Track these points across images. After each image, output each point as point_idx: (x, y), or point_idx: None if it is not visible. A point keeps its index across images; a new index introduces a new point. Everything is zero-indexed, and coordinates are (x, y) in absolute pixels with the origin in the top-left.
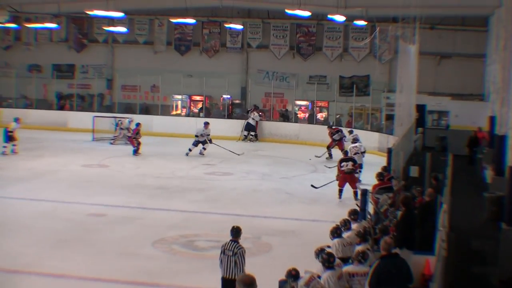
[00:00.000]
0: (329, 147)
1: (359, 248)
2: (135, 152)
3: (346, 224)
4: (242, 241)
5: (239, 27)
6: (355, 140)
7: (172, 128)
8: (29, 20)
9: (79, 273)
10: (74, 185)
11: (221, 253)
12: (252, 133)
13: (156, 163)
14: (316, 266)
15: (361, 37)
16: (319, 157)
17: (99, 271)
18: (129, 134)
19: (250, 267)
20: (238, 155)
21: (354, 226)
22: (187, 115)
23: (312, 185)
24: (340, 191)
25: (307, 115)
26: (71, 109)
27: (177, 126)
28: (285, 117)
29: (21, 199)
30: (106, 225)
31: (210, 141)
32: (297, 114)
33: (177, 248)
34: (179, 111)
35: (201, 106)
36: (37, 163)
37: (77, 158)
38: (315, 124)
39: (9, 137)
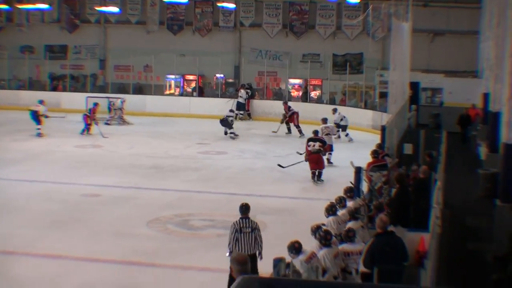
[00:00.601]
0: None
1: (348, 225)
2: (83, 131)
3: (341, 202)
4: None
5: (232, 6)
6: (325, 120)
7: (165, 107)
8: (20, 1)
9: (74, 253)
10: (68, 166)
11: (235, 232)
12: (242, 112)
13: (150, 143)
14: (311, 244)
15: (354, 15)
16: (275, 132)
17: (95, 252)
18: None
19: None
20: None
21: (349, 203)
22: (181, 94)
23: (279, 164)
24: (313, 174)
25: (300, 93)
26: (64, 90)
27: (171, 106)
28: (279, 95)
29: (15, 181)
30: (100, 205)
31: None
32: (290, 92)
33: (171, 228)
34: (172, 91)
35: (194, 85)
36: (31, 144)
37: (70, 139)
38: (309, 102)
39: (39, 120)
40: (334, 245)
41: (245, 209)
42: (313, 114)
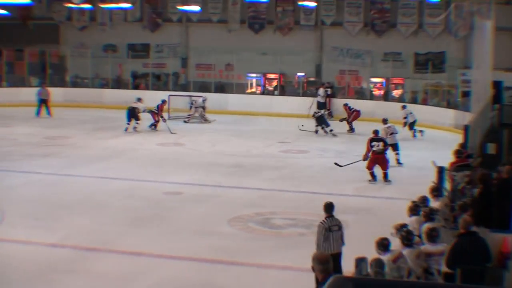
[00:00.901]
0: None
1: (426, 226)
2: (152, 125)
3: (424, 202)
4: (317, 219)
5: (313, 4)
6: (386, 121)
7: (247, 106)
8: (103, 1)
9: (155, 251)
10: (150, 163)
11: (325, 231)
12: (322, 111)
13: (232, 141)
14: (392, 244)
15: (436, 13)
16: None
17: (176, 249)
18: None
19: None
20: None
21: (434, 203)
22: (262, 93)
23: (335, 163)
24: (372, 174)
25: (382, 92)
26: (147, 88)
27: (252, 104)
28: (360, 94)
29: (99, 178)
30: (182, 203)
31: None
32: (372, 91)
33: (253, 226)
34: (254, 89)
35: (275, 84)
36: (114, 142)
37: (153, 137)
38: (390, 101)
39: (137, 117)
40: (416, 245)
41: (331, 207)
42: (394, 113)
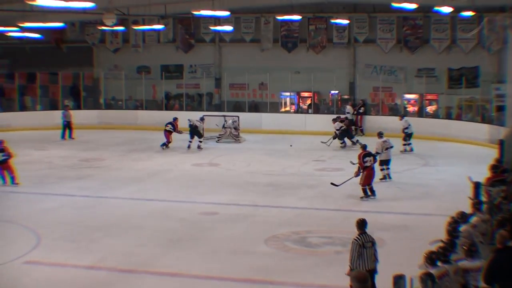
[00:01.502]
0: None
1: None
2: (163, 144)
3: (463, 217)
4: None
5: (345, 22)
6: (381, 135)
7: (281, 124)
8: (136, 23)
9: (192, 271)
10: (185, 184)
11: (359, 247)
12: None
13: (266, 160)
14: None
15: (469, 28)
16: (326, 143)
17: (213, 269)
18: (235, 133)
19: None
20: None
21: (473, 219)
22: (296, 111)
23: (332, 183)
24: (364, 190)
25: (416, 108)
26: (181, 109)
27: (286, 123)
28: (394, 111)
29: (134, 199)
30: (218, 223)
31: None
32: (406, 107)
33: (289, 245)
34: (288, 108)
35: (309, 102)
36: (149, 163)
37: (187, 157)
38: (425, 117)
39: (200, 134)
40: (453, 262)
41: (363, 224)
42: (428, 128)
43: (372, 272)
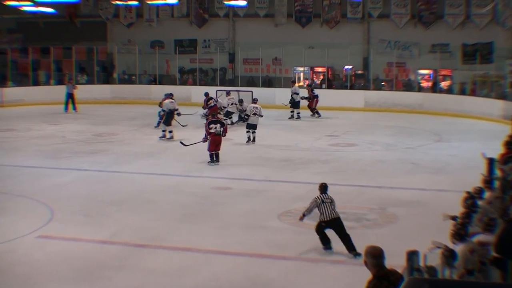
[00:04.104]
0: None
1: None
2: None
3: (479, 193)
4: (367, 212)
5: None
6: (255, 101)
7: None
8: None
9: (205, 246)
10: (198, 159)
11: (321, 203)
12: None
13: (280, 136)
14: (443, 237)
15: (483, 4)
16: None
17: (225, 244)
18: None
19: (377, 238)
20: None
21: (486, 195)
22: (310, 86)
23: (180, 142)
24: (212, 156)
25: (430, 84)
26: (194, 84)
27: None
28: (408, 86)
29: (147, 174)
30: (231, 198)
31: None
32: (420, 83)
33: (303, 220)
34: (301, 83)
35: (323, 77)
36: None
37: (200, 132)
38: (439, 93)
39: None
40: (469, 239)
41: (325, 188)
42: (442, 104)
43: (338, 219)
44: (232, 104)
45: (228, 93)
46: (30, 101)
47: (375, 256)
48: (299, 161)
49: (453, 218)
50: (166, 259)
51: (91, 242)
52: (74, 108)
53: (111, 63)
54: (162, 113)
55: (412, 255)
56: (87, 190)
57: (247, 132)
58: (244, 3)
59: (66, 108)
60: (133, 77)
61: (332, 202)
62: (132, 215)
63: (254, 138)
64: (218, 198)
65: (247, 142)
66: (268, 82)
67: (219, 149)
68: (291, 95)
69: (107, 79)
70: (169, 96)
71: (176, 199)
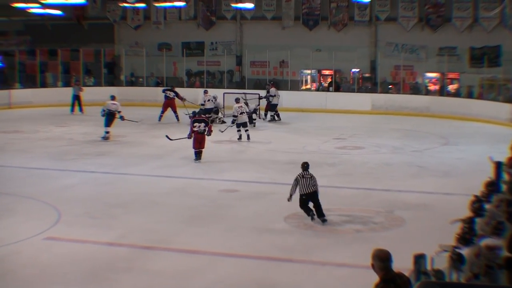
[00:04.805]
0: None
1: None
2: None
3: (486, 196)
4: (374, 215)
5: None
6: (238, 100)
7: (301, 103)
8: (157, 0)
9: (212, 248)
10: (205, 161)
11: (301, 178)
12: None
13: (287, 138)
14: (450, 240)
15: (491, 7)
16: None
17: (232, 247)
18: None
19: (384, 242)
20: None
21: (494, 198)
22: (317, 89)
23: (166, 136)
24: (196, 153)
25: (437, 87)
26: (202, 86)
27: (307, 101)
28: (415, 89)
29: (154, 176)
30: (238, 200)
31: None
32: (427, 86)
33: (309, 223)
34: (308, 86)
35: (330, 80)
36: (168, 140)
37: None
38: (446, 96)
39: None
40: (476, 243)
41: (306, 166)
42: (449, 107)
43: (315, 193)
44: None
45: (237, 100)
46: (38, 103)
47: (383, 259)
48: None
49: (462, 221)
50: (173, 262)
51: (97, 244)
52: (81, 110)
53: (118, 65)
54: (103, 112)
55: (419, 258)
56: (93, 192)
57: (238, 131)
58: (252, 5)
59: (72, 110)
60: (140, 79)
61: (312, 177)
62: (139, 217)
63: (248, 135)
64: (225, 201)
65: (238, 139)
66: (275, 85)
67: (203, 147)
68: (267, 97)
69: (113, 81)
70: (112, 98)
71: (183, 201)
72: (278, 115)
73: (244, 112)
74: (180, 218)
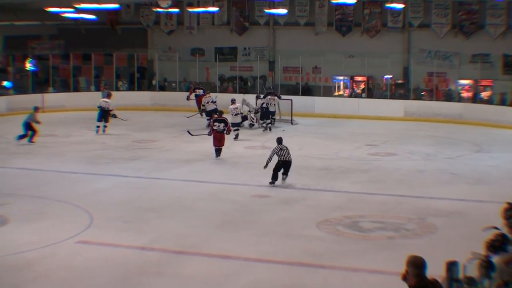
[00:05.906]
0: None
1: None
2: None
3: None
4: (406, 222)
5: (400, 6)
6: (233, 101)
7: (334, 108)
8: (191, 5)
9: (243, 254)
10: (237, 166)
11: (279, 150)
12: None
13: (319, 144)
14: (482, 247)
15: None
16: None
17: (264, 252)
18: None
19: (416, 249)
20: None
21: None
22: (350, 95)
23: (188, 131)
24: (216, 151)
25: (470, 94)
26: (234, 91)
27: (339, 107)
28: (448, 96)
29: (186, 181)
30: (270, 206)
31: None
32: (460, 93)
33: (341, 229)
34: (341, 92)
35: (363, 86)
36: (202, 145)
37: (240, 140)
38: (479, 103)
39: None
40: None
41: (281, 140)
42: (482, 115)
43: (290, 162)
44: (236, 114)
45: (233, 101)
46: (70, 106)
47: (417, 266)
48: (339, 170)
49: (495, 228)
50: (205, 266)
51: (130, 248)
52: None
53: (150, 70)
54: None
55: (451, 266)
56: (126, 196)
57: (235, 130)
58: (285, 11)
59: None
60: (173, 84)
61: (287, 149)
62: (171, 221)
63: (237, 135)
64: (257, 206)
65: (235, 138)
66: (308, 91)
67: (223, 144)
68: (261, 106)
69: (146, 86)
70: (108, 95)
71: (215, 206)
72: (270, 128)
73: (238, 114)
74: (212, 223)
